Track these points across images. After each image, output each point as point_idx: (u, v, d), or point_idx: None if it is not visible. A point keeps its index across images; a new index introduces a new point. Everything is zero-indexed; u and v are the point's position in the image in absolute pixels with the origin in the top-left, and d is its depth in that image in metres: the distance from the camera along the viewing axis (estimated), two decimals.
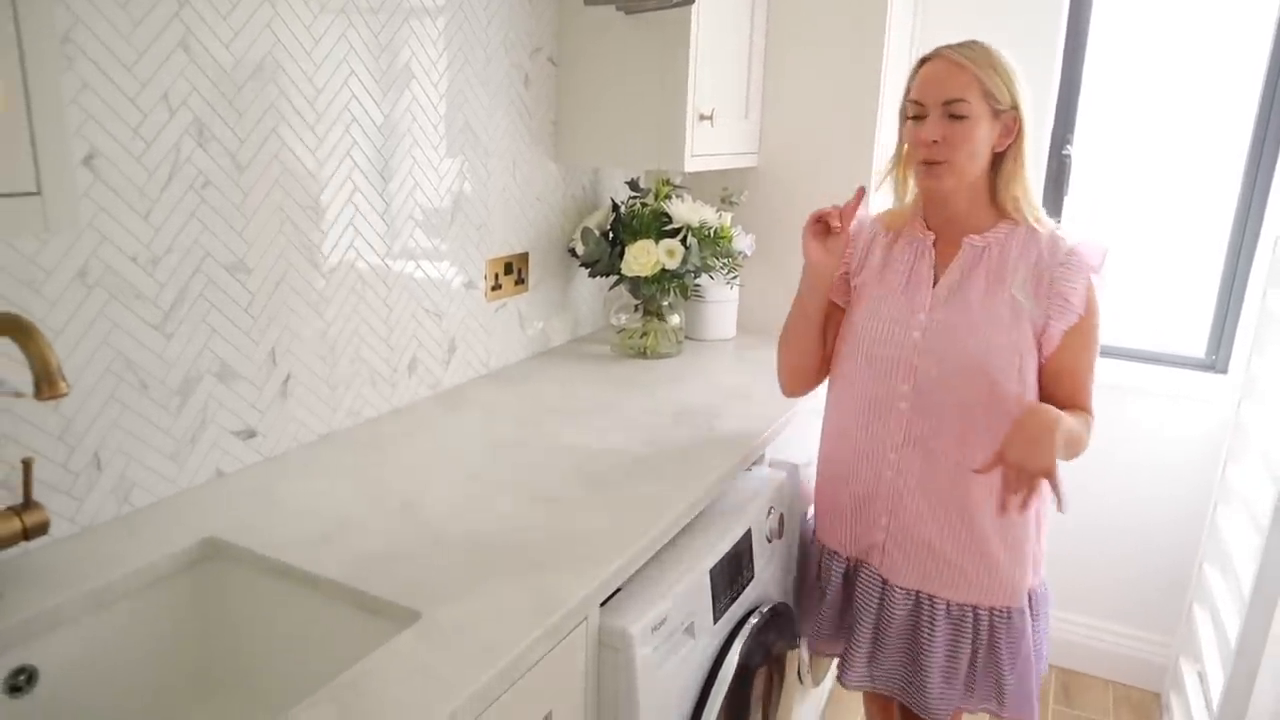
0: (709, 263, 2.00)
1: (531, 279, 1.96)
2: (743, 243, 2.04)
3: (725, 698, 1.31)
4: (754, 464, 1.62)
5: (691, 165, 1.89)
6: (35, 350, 0.82)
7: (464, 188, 1.71)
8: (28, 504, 1.01)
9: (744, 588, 1.42)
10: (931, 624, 1.43)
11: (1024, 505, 1.24)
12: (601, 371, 1.93)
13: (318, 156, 1.38)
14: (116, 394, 1.16)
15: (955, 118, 1.27)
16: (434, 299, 1.68)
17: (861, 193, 1.38)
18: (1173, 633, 2.43)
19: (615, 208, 2.06)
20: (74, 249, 1.08)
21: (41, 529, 1.02)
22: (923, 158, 1.31)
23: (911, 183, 1.41)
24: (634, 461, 1.44)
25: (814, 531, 1.61)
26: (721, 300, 2.23)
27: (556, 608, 1.00)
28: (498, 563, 1.09)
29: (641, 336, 2.06)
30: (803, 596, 1.66)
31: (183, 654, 1.14)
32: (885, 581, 1.47)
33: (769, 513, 1.52)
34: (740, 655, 1.35)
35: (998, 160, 1.32)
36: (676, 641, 1.23)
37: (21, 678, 0.97)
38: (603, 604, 1.11)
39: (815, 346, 1.50)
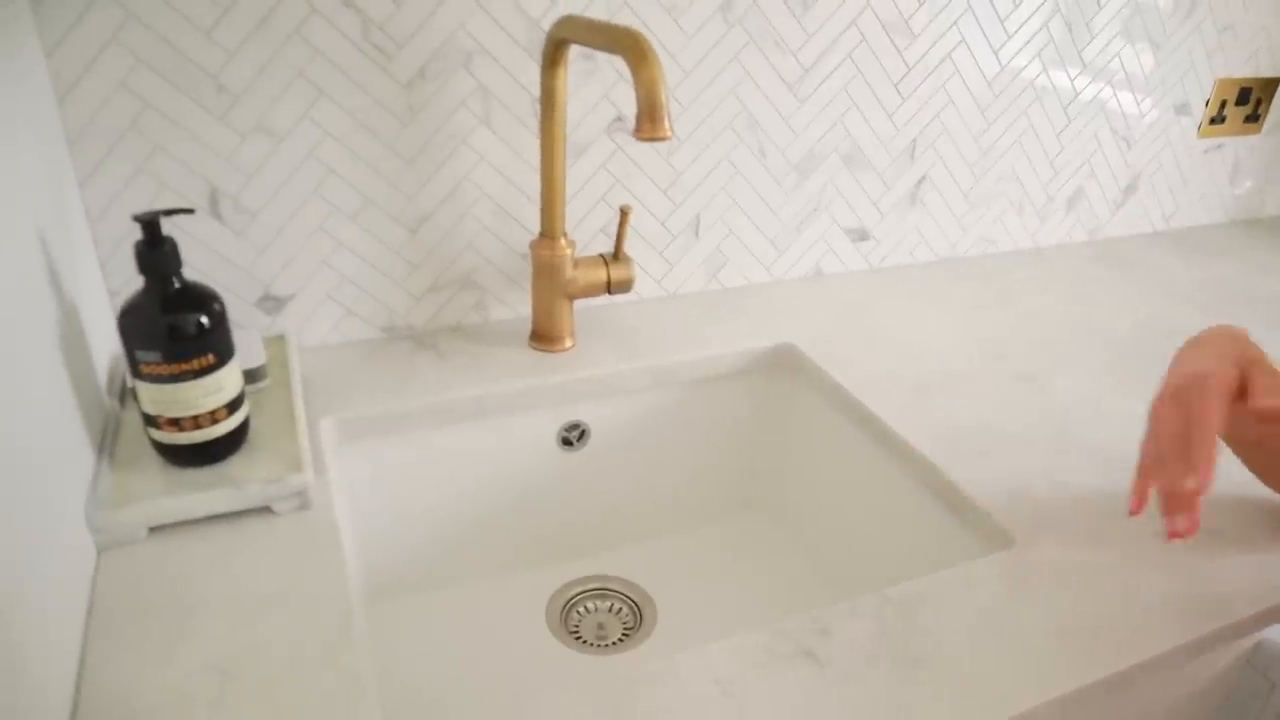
0: None
1: (1270, 117, 1.42)
2: None
3: None
4: None
5: None
6: (646, 78, 0.66)
7: None
8: (617, 255, 0.92)
9: None
10: None
11: None
12: None
13: None
14: (731, 155, 1.01)
15: None
16: (1126, 119, 1.27)
17: None
18: None
19: None
20: None
21: (625, 285, 0.93)
22: None
23: None
24: None
25: None
26: None
27: (1217, 609, 0.65)
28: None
29: None
30: None
31: (727, 456, 1.02)
32: None
33: None
34: None
35: None
36: None
37: (574, 433, 0.92)
38: None
39: None
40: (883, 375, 0.92)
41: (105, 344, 0.76)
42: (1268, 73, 1.36)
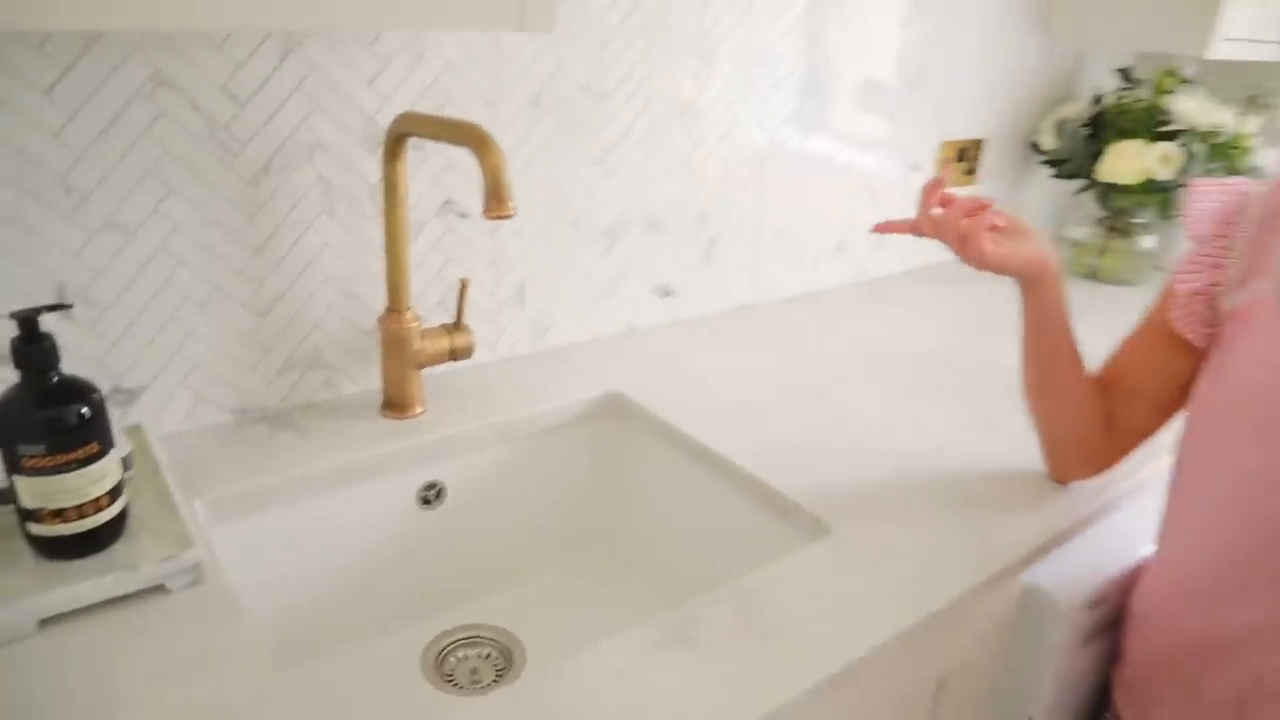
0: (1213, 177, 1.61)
1: (980, 171, 1.70)
2: (1265, 158, 1.62)
3: None
4: None
5: (1217, 52, 1.49)
6: (490, 165, 0.76)
7: (928, 57, 1.48)
8: (458, 325, 1.00)
9: None
10: None
11: None
12: None
13: (772, 11, 1.24)
14: (548, 228, 1.12)
15: None
16: (873, 178, 1.50)
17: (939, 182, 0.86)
18: None
19: (1097, 100, 1.71)
20: (530, 71, 1.03)
21: (467, 352, 1.01)
22: None
23: None
24: None
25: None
26: None
27: (993, 558, 0.82)
28: (921, 487, 0.92)
29: (1099, 255, 1.73)
30: None
31: (575, 497, 1.11)
32: None
33: None
34: None
35: None
36: (1102, 632, 1.00)
37: (432, 492, 0.98)
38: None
39: (1082, 396, 0.89)
40: (700, 409, 1.05)
41: None
42: (977, 135, 1.64)
